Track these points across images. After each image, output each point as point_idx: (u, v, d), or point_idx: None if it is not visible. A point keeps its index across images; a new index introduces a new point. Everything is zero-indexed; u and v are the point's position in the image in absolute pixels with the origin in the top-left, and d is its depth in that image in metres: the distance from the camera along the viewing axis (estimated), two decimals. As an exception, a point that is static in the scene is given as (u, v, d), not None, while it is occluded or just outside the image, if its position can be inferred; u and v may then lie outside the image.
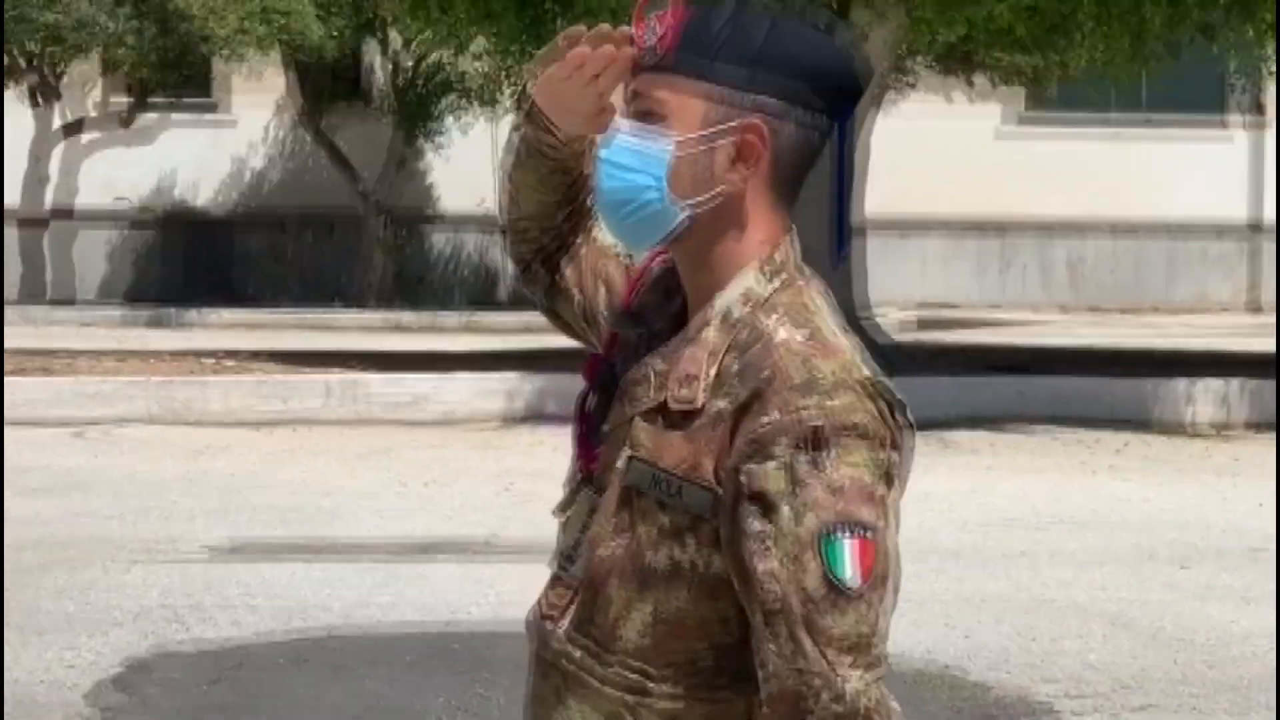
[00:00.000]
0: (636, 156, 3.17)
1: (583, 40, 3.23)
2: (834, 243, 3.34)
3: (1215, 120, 32.85)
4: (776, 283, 3.15)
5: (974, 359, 23.67)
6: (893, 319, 27.45)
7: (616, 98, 3.27)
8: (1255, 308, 33.58)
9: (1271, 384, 21.72)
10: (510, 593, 12.13)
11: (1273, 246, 33.42)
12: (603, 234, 3.50)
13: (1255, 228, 33.93)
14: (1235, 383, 21.44)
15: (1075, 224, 33.19)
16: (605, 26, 3.27)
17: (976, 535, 13.98)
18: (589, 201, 3.46)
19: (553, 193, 3.51)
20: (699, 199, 3.14)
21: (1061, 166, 32.71)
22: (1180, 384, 21.47)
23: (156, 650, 11.02)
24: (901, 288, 29.24)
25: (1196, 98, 31.12)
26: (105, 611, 11.86)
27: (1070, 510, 14.38)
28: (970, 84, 26.77)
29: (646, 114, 3.18)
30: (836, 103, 3.25)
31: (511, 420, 19.73)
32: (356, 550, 13.97)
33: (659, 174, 3.15)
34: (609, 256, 3.52)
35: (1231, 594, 13.03)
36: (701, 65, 3.16)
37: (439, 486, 16.38)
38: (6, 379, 21.19)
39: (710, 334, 3.12)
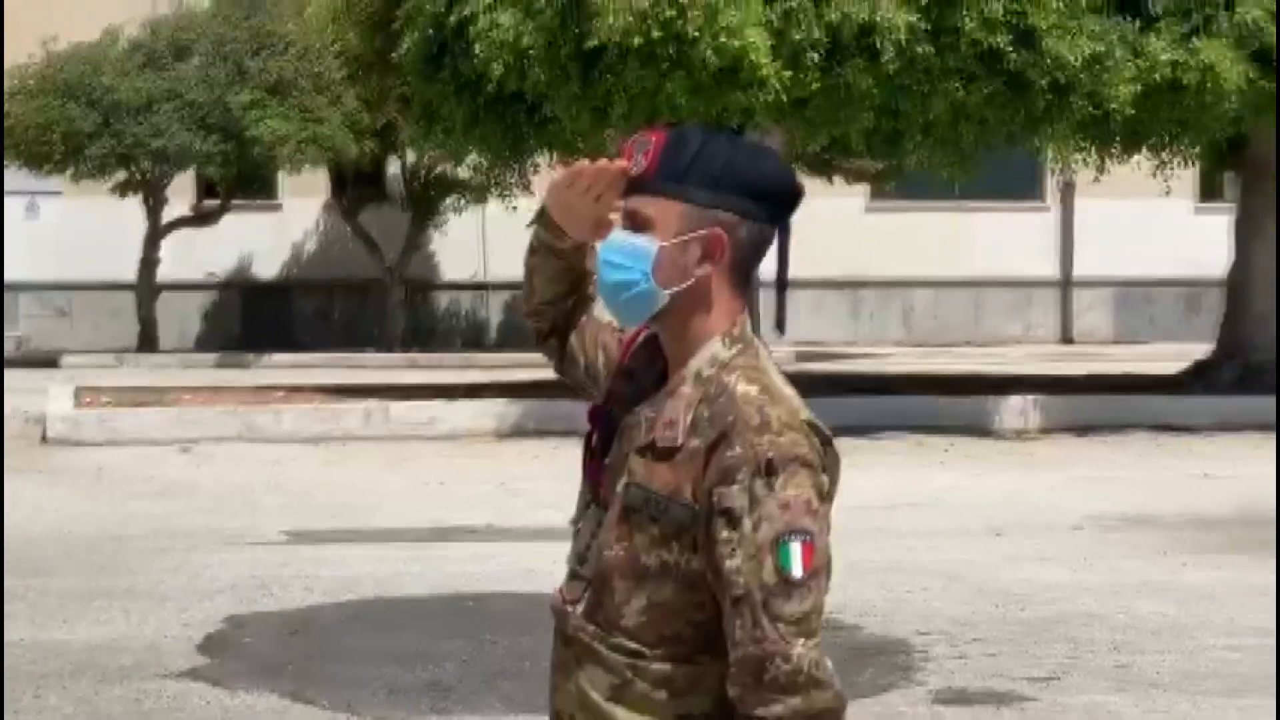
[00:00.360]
0: (629, 255, 3.24)
1: (586, 171, 3.31)
2: (780, 317, 3.45)
3: (1033, 196, 32.74)
4: (735, 349, 3.22)
5: (838, 383, 23.60)
6: (779, 354, 27.28)
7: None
8: (1067, 339, 33.52)
9: (1057, 399, 21.81)
10: (506, 565, 12.27)
11: (1073, 293, 33.74)
12: (601, 312, 3.51)
13: (1065, 282, 33.79)
14: (1031, 398, 21.33)
15: (913, 280, 33.08)
16: (604, 161, 3.33)
17: (846, 517, 13.77)
18: (590, 290, 3.51)
19: (563, 284, 3.56)
20: (676, 287, 3.20)
21: (908, 236, 32.67)
22: (990, 400, 21.40)
23: (247, 612, 11.01)
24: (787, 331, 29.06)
25: (1017, 181, 31.00)
26: (208, 583, 11.85)
27: (913, 496, 14.40)
28: (830, 181, 26.54)
29: (636, 223, 3.23)
30: (778, 212, 3.32)
31: (502, 435, 19.69)
32: (391, 535, 13.93)
33: (646, 269, 3.21)
34: (606, 330, 3.55)
35: (1034, 556, 13.05)
36: (676, 187, 3.21)
37: (450, 486, 16.32)
38: (132, 410, 21.15)
39: (686, 389, 3.20)
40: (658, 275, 3.22)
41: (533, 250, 3.54)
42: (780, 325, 3.49)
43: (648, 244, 3.22)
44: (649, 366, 3.36)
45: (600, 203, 3.31)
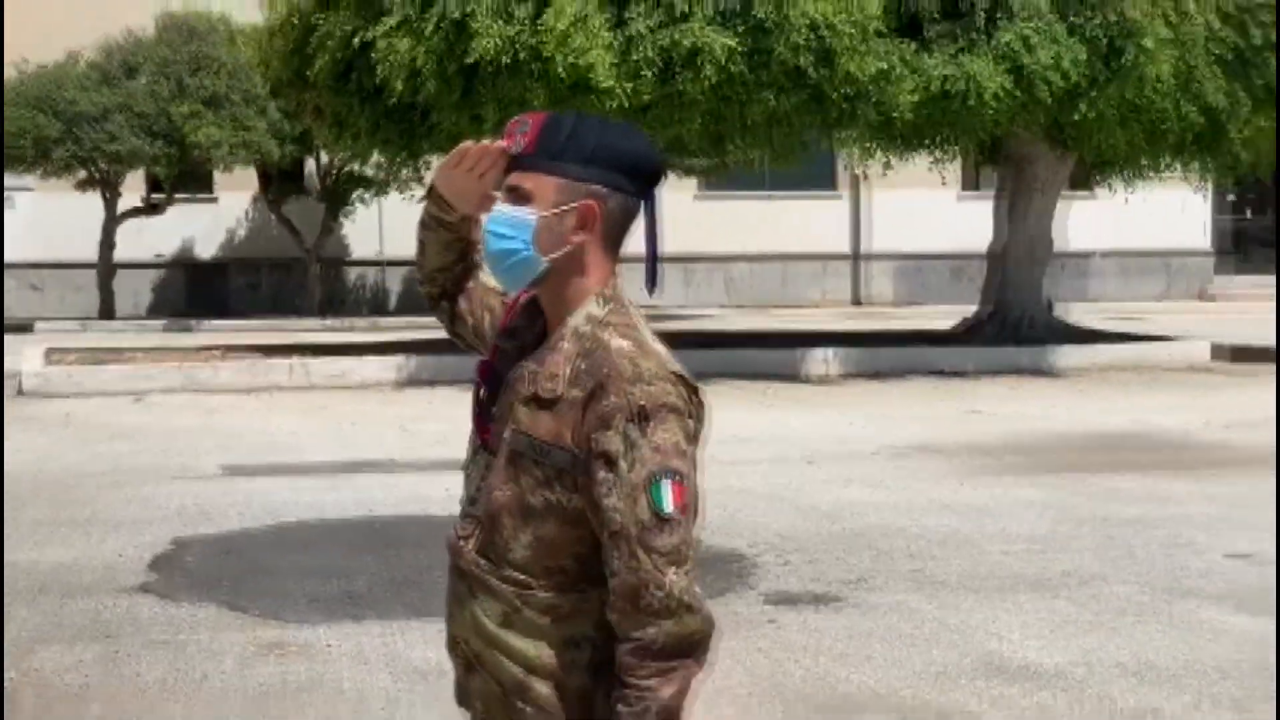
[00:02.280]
0: (511, 226, 3.13)
1: (471, 151, 3.24)
2: (650, 278, 3.22)
3: (830, 187, 32.93)
4: (609, 308, 3.12)
5: (673, 339, 23.42)
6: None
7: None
8: (858, 303, 33.62)
9: (853, 350, 21.82)
10: (407, 492, 12.03)
11: (862, 265, 33.91)
12: (487, 278, 3.39)
13: (856, 256, 33.87)
14: (831, 350, 21.45)
15: (733, 255, 33.10)
16: (486, 142, 3.25)
17: (707, 449, 13.76)
18: (477, 258, 3.37)
19: (452, 254, 3.42)
20: (554, 254, 3.11)
21: (729, 220, 32.75)
22: (798, 351, 21.46)
23: (189, 535, 10.81)
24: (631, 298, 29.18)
25: (817, 175, 31.31)
26: (156, 511, 11.61)
27: (739, 432, 14.23)
28: (665, 176, 26.55)
29: (517, 197, 3.14)
30: (644, 185, 3.21)
31: (402, 385, 19.62)
32: (311, 469, 13.67)
33: (527, 238, 3.11)
34: (491, 293, 3.42)
35: (841, 479, 12.95)
36: (553, 163, 3.12)
37: (360, 427, 16.16)
38: (94, 367, 20.92)
39: (565, 345, 3.09)
40: (537, 243, 3.10)
41: (424, 224, 3.40)
42: (651, 286, 3.21)
43: (528, 215, 3.10)
44: (530, 325, 3.21)
45: (484, 180, 3.20)
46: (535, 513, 3.05)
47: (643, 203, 3.17)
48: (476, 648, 3.14)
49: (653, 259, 3.26)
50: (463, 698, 3.23)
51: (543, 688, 3.06)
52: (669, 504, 2.93)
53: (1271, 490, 12.19)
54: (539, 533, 3.05)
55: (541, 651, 3.06)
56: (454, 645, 3.22)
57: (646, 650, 2.93)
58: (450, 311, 3.44)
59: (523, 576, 3.07)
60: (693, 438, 3.02)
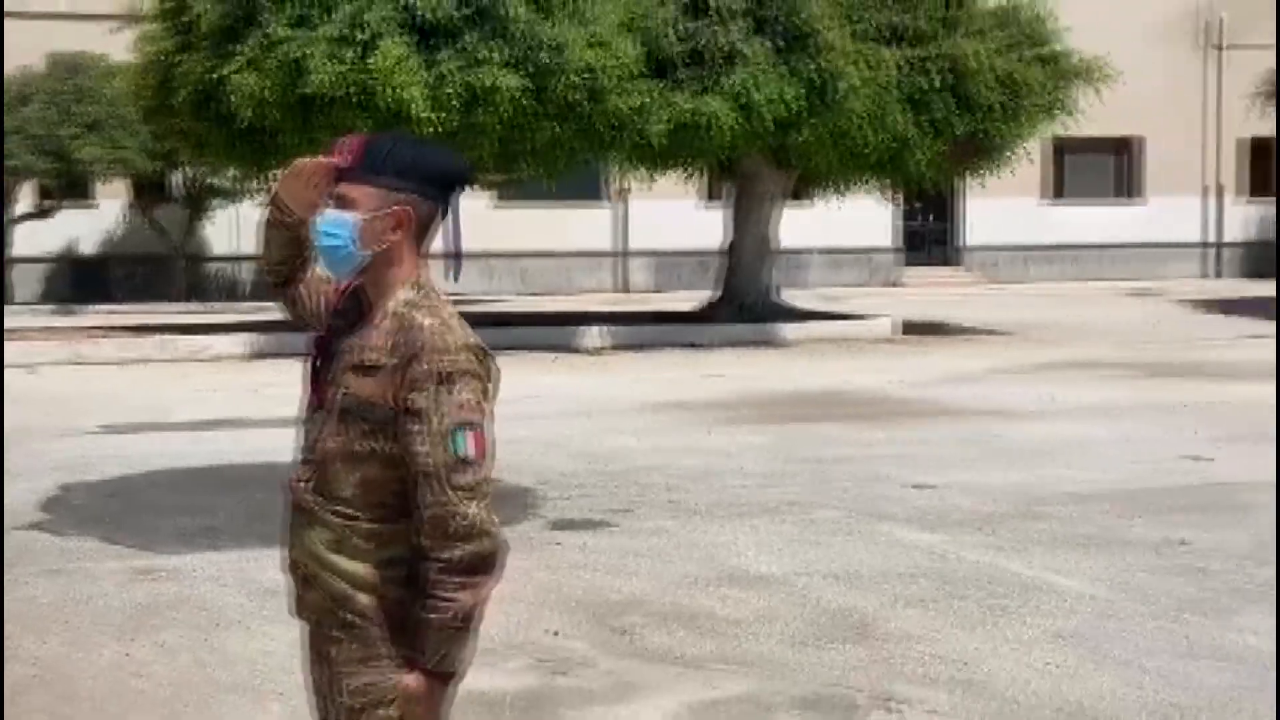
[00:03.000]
0: (339, 227, 3.12)
1: (306, 165, 3.22)
2: (454, 269, 3.21)
3: (596, 197, 32.88)
4: (419, 293, 3.12)
5: (476, 319, 23.35)
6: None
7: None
8: (624, 291, 33.62)
9: (620, 328, 21.89)
10: (258, 444, 11.62)
11: (627, 260, 34.08)
12: (319, 269, 3.32)
13: (623, 253, 33.92)
14: (604, 327, 21.53)
15: (526, 252, 33.01)
16: (320, 158, 3.21)
17: (501, 407, 13.70)
18: (310, 253, 3.30)
19: (290, 249, 3.36)
20: (373, 249, 3.10)
21: (522, 224, 32.68)
22: (578, 329, 21.40)
23: (75, 482, 10.51)
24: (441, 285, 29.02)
25: (590, 187, 31.24)
26: (48, 463, 11.29)
27: (530, 391, 14.16)
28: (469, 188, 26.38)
29: (343, 203, 3.12)
30: (447, 193, 3.19)
31: (252, 357, 19.18)
32: (177, 426, 13.39)
33: (351, 237, 3.10)
34: (323, 281, 3.36)
35: (612, 429, 12.96)
36: (373, 176, 3.11)
37: (219, 393, 15.82)
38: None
39: (385, 323, 3.09)
40: (360, 241, 3.09)
41: (268, 225, 3.32)
42: (455, 274, 3.21)
43: (352, 218, 3.08)
44: (355, 307, 3.17)
45: (316, 189, 3.16)
46: (360, 458, 3.04)
47: (446, 207, 3.15)
48: (311, 568, 3.11)
49: (457, 252, 3.27)
50: (299, 609, 3.19)
51: (364, 599, 3.04)
52: (468, 449, 2.94)
53: (940, 433, 12.53)
54: (363, 474, 3.04)
55: (364, 570, 3.05)
56: (293, 567, 3.19)
57: (451, 567, 2.93)
58: (290, 297, 3.39)
59: (349, 510, 3.06)
60: (487, 396, 3.03)
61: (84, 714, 5.69)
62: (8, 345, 19.85)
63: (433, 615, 2.95)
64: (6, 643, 6.50)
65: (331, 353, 3.14)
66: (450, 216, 3.19)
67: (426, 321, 3.00)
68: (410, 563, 3.02)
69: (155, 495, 10.05)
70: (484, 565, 2.95)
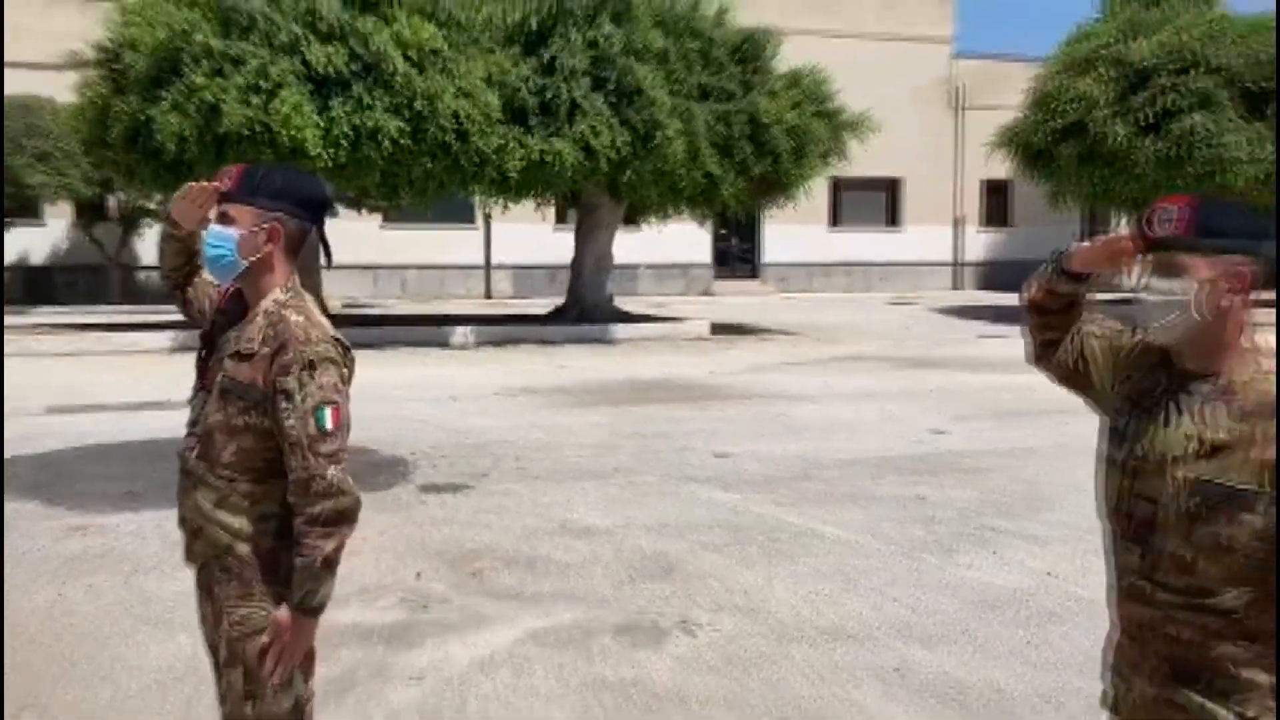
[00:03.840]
0: (222, 240, 3.07)
1: (194, 189, 3.13)
2: (327, 260, 3.18)
3: (466, 220, 32.45)
4: (289, 295, 3.06)
5: (363, 320, 23.09)
6: (335, 305, 26.37)
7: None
8: (488, 296, 33.25)
9: (483, 327, 21.69)
10: (174, 423, 11.16)
11: (491, 272, 33.81)
12: (206, 274, 3.28)
13: (487, 265, 33.57)
14: (469, 327, 21.27)
15: (409, 264, 32.56)
16: (204, 183, 3.15)
17: (370, 391, 13.48)
18: (199, 260, 3.26)
19: (182, 258, 3.33)
20: (251, 258, 3.04)
21: (406, 242, 32.19)
22: (448, 328, 21.14)
23: (18, 454, 10.12)
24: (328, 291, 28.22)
25: (462, 211, 30.81)
26: None
27: (407, 380, 14.03)
28: (359, 212, 25.80)
29: (225, 220, 3.07)
30: (316, 213, 3.14)
31: (174, 350, 18.53)
32: (109, 408, 12.94)
33: (231, 247, 3.05)
34: (209, 285, 3.32)
35: (473, 411, 12.77)
36: (250, 198, 3.07)
37: (144, 381, 15.28)
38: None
39: (260, 319, 3.02)
40: (239, 251, 3.03)
41: (164, 238, 3.28)
42: (329, 263, 3.25)
43: (232, 233, 3.03)
44: (236, 306, 3.12)
45: (202, 209, 3.12)
46: (237, 431, 3.00)
47: (314, 223, 3.11)
48: (198, 522, 3.07)
49: (328, 252, 3.23)
50: (188, 556, 3.15)
51: (243, 547, 3.01)
52: (328, 422, 2.91)
53: (738, 413, 12.67)
54: (240, 444, 3.00)
55: (242, 523, 3.01)
56: (182, 521, 3.14)
57: (315, 520, 2.90)
58: (182, 298, 3.35)
59: (229, 474, 3.02)
60: (344, 380, 3.01)
61: (21, 645, 5.54)
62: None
63: (300, 561, 2.92)
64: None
65: (215, 344, 3.11)
66: (319, 230, 3.14)
67: (295, 318, 2.97)
68: (281, 517, 2.98)
69: (87, 466, 9.79)
70: (342, 518, 2.93)
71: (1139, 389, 2.41)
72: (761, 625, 5.87)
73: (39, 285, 30.34)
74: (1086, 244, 2.47)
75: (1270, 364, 2.29)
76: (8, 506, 8.29)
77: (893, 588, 6.48)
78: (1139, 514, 2.34)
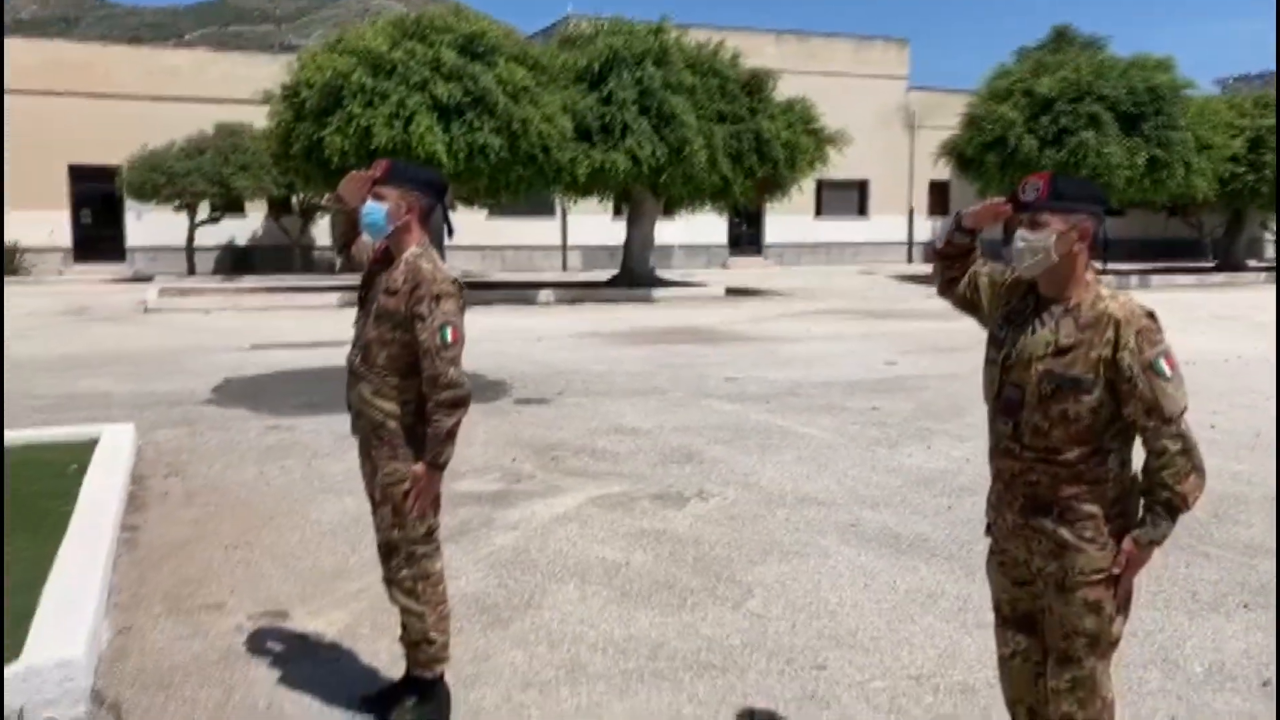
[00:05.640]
0: (375, 211, 3.08)
1: (356, 176, 3.15)
2: (448, 232, 3.23)
3: (549, 212, 32.31)
4: (422, 250, 3.07)
5: (479, 283, 22.92)
6: (457, 271, 26.30)
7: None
8: (565, 269, 32.97)
9: (561, 289, 21.63)
10: (336, 357, 11.46)
11: (568, 252, 33.74)
12: (364, 237, 3.27)
13: (564, 247, 33.23)
14: (551, 290, 21.02)
15: (508, 246, 32.44)
16: (363, 172, 3.17)
17: (490, 333, 13.56)
18: (359, 226, 3.23)
19: (346, 225, 3.32)
20: (395, 224, 3.06)
21: (508, 230, 32.02)
22: (537, 291, 20.98)
23: (232, 377, 10.16)
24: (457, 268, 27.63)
25: (546, 206, 30.69)
26: (215, 366, 10.92)
27: (506, 326, 14.05)
28: (470, 205, 24.76)
29: (377, 197, 3.07)
30: (438, 194, 3.15)
31: (340, 306, 18.38)
32: (296, 345, 12.86)
33: (382, 216, 3.07)
34: (368, 244, 3.28)
35: (555, 349, 12.61)
36: (394, 181, 3.08)
37: (317, 327, 15.31)
38: (183, 298, 19.51)
39: (402, 266, 3.05)
40: (387, 219, 3.05)
41: (334, 212, 3.31)
42: (450, 235, 3.27)
43: (383, 206, 3.05)
44: (385, 258, 3.13)
45: (361, 190, 3.12)
46: (387, 342, 3.05)
47: (437, 201, 3.17)
48: (360, 406, 3.14)
49: (447, 223, 3.29)
50: (354, 429, 3.21)
51: (392, 423, 3.09)
52: (449, 336, 2.98)
53: (744, 350, 12.70)
54: (389, 351, 3.06)
55: (391, 406, 3.08)
56: (349, 405, 3.21)
57: (440, 404, 2.99)
58: (348, 253, 3.37)
59: (382, 372, 3.07)
60: (460, 308, 3.06)
61: (233, 505, 5.74)
62: (191, 298, 19.37)
63: (431, 431, 3.02)
64: (195, 469, 6.52)
65: (371, 284, 3.18)
66: (441, 208, 3.22)
67: (425, 265, 3.05)
68: (418, 402, 3.06)
69: (280, 385, 9.92)
70: (459, 403, 3.02)
71: (1013, 310, 2.45)
72: (755, 495, 5.97)
73: (243, 261, 30.50)
74: (976, 207, 2.49)
75: (1104, 291, 2.37)
76: (229, 410, 8.49)
77: (852, 469, 6.55)
78: (1010, 396, 2.42)
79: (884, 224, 37.07)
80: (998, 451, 2.46)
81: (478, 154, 18.30)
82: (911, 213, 37.45)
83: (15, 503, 5.35)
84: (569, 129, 19.29)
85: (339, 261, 3.40)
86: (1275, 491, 5.88)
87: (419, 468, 3.06)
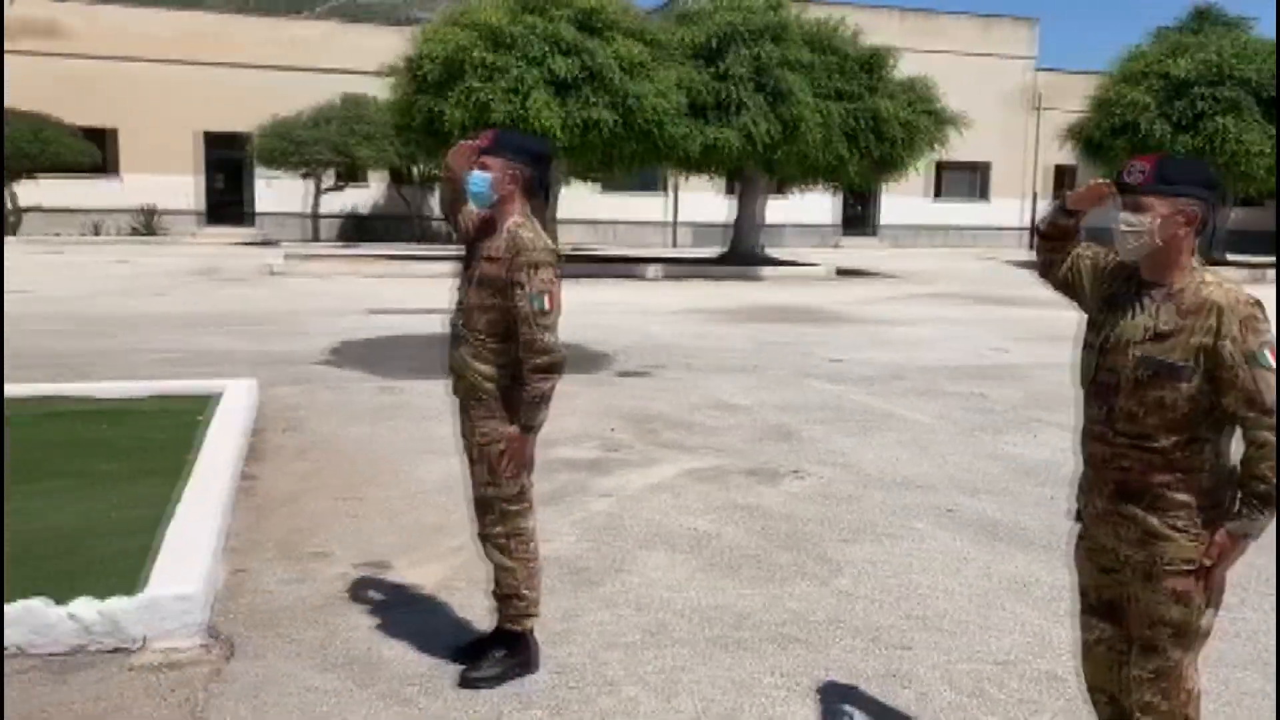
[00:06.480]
0: (481, 181, 3.15)
1: (464, 145, 3.20)
2: (544, 200, 3.27)
3: (656, 189, 32.37)
4: (524, 220, 3.12)
5: (585, 258, 23.09)
6: (567, 248, 26.52)
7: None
8: (674, 245, 32.97)
9: (667, 266, 21.69)
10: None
11: (677, 228, 33.79)
12: (470, 205, 3.30)
13: (674, 224, 33.33)
14: (659, 266, 21.17)
15: (625, 221, 32.59)
16: (471, 141, 3.21)
17: (590, 305, 13.68)
18: (464, 195, 3.28)
19: (454, 192, 3.35)
20: (500, 194, 3.12)
21: (621, 204, 32.23)
22: (645, 266, 21.07)
23: (348, 339, 10.54)
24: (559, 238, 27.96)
25: (653, 181, 30.76)
26: (332, 328, 11.28)
27: (610, 300, 14.15)
28: (585, 180, 25.29)
29: (483, 166, 3.13)
30: (543, 164, 3.20)
31: (453, 275, 18.92)
32: (410, 311, 13.15)
33: (487, 185, 3.13)
34: (471, 211, 3.32)
35: (653, 323, 12.69)
36: (500, 151, 3.13)
37: (430, 294, 15.75)
38: (306, 261, 20.13)
39: (503, 234, 3.11)
40: (492, 188, 3.11)
41: (443, 179, 3.36)
42: (546, 202, 3.29)
43: (488, 175, 3.11)
44: (488, 225, 3.20)
45: (468, 158, 3.18)
46: (488, 308, 3.14)
47: (541, 171, 3.21)
48: (461, 368, 3.25)
49: (548, 197, 3.34)
50: (454, 390, 3.32)
51: (489, 386, 3.18)
52: (546, 304, 3.05)
53: (852, 331, 12.56)
54: (489, 316, 3.14)
55: (490, 370, 3.17)
56: (450, 368, 3.31)
57: (536, 369, 3.07)
58: (454, 220, 3.41)
59: (482, 336, 3.17)
60: (558, 276, 3.12)
61: (345, 461, 5.98)
62: (313, 263, 20.05)
63: (526, 394, 3.10)
64: (309, 424, 6.82)
65: (474, 250, 3.26)
66: (543, 178, 3.24)
67: (526, 234, 3.11)
68: (514, 367, 3.14)
69: (393, 348, 10.18)
70: (554, 368, 3.10)
71: (1112, 293, 2.40)
72: (852, 475, 5.93)
73: (363, 228, 31.38)
74: (1080, 189, 2.44)
75: (1208, 278, 2.30)
76: (345, 371, 8.79)
77: (954, 455, 6.44)
78: (1105, 380, 2.38)
79: (1005, 208, 35.99)
80: (1089, 436, 2.43)
81: (592, 129, 18.43)
82: (1035, 197, 36.23)
83: (144, 449, 5.70)
84: (683, 104, 19.26)
85: (450, 229, 3.50)
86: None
87: (513, 430, 3.16)
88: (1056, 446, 6.74)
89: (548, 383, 3.10)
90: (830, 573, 4.36)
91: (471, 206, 3.34)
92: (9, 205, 26.20)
